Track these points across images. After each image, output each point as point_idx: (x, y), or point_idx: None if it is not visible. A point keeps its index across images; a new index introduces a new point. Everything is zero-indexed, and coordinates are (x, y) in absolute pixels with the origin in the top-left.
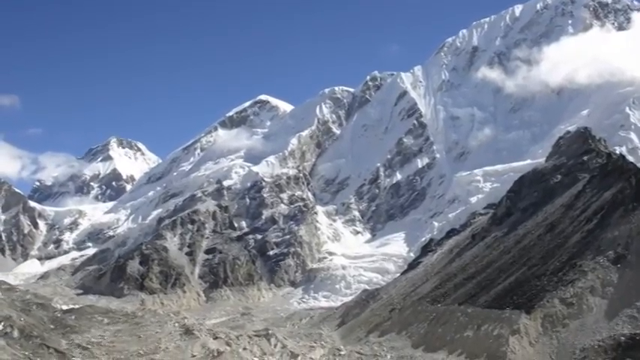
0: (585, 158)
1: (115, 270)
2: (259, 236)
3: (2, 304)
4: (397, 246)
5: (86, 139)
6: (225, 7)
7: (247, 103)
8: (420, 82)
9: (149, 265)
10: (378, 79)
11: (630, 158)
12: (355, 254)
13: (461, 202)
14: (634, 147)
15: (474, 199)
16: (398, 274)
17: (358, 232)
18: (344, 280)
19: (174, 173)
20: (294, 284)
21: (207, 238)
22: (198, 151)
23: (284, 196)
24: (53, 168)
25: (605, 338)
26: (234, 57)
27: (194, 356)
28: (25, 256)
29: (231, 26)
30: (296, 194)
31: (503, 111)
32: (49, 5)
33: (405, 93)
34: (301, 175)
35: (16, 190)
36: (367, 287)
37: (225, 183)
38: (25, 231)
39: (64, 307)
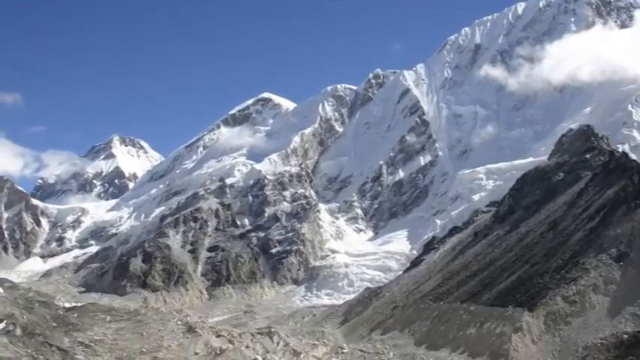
0: (588, 156)
1: (118, 268)
2: (262, 234)
3: (5, 301)
4: (400, 244)
5: (89, 137)
6: (228, 4)
7: (250, 101)
8: (423, 79)
9: (152, 263)
10: (381, 77)
11: (633, 156)
12: (358, 252)
13: (463, 199)
14: (636, 144)
15: (476, 197)
16: (400, 272)
17: (361, 230)
18: (346, 278)
19: (177, 171)
20: (296, 282)
21: (210, 235)
22: (201, 148)
23: (287, 193)
24: (56, 166)
25: (607, 336)
26: (237, 55)
27: (197, 354)
28: (28, 254)
29: (234, 24)
30: (299, 192)
31: (506, 109)
32: (52, 3)
33: (407, 91)
34: (304, 172)
35: (19, 188)
36: (370, 285)
37: (228, 181)
38: (28, 229)
39: (67, 305)
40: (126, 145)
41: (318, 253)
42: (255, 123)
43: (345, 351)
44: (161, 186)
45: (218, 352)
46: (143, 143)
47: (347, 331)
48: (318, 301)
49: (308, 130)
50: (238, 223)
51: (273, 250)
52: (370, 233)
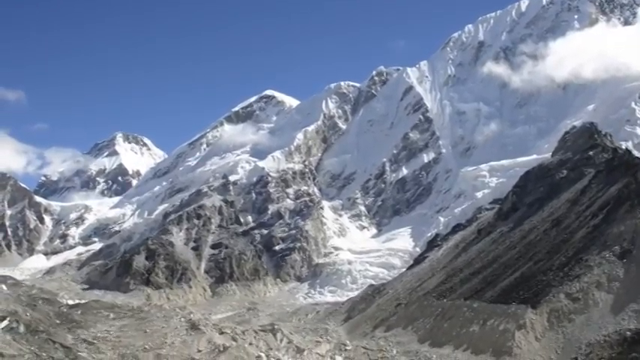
0: (591, 153)
1: (121, 265)
2: (265, 231)
3: (8, 299)
4: (403, 241)
5: (92, 134)
6: (231, 2)
7: (253, 98)
8: (426, 77)
9: (155, 260)
10: (384, 74)
11: (636, 153)
12: (361, 249)
13: (467, 197)
14: None
15: (479, 194)
16: (404, 269)
17: (364, 227)
18: (350, 275)
19: (180, 168)
20: (300, 279)
21: (213, 233)
22: (204, 146)
23: (290, 191)
24: (59, 163)
25: (611, 333)
26: (240, 52)
27: (200, 351)
28: (31, 251)
29: (238, 21)
30: (302, 189)
31: (509, 106)
32: (54, 1)
33: (411, 88)
34: (307, 170)
35: (22, 185)
36: (373, 282)
37: (231, 178)
38: (31, 226)
39: (70, 302)
40: (129, 143)
41: (321, 250)
42: (258, 120)
43: (348, 348)
44: (164, 183)
45: (221, 349)
46: (146, 140)
47: (350, 328)
48: (322, 298)
49: (311, 128)
50: (241, 220)
51: (277, 248)
52: (373, 230)
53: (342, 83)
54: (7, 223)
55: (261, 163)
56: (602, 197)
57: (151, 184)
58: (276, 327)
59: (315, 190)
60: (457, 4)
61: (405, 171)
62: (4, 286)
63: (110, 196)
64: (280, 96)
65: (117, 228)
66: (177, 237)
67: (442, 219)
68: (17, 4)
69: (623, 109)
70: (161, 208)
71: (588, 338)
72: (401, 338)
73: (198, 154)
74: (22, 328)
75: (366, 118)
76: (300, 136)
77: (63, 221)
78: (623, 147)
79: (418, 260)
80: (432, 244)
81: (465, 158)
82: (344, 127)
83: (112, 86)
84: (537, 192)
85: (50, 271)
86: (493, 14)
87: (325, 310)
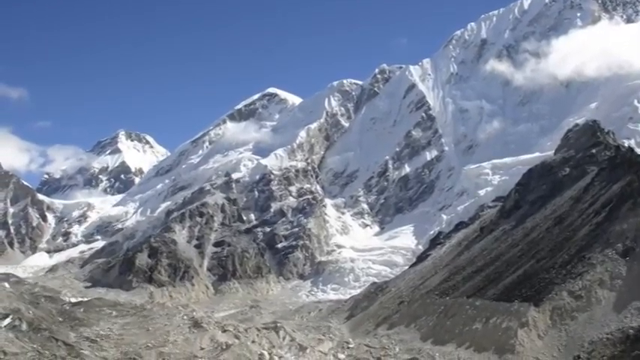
0: (594, 151)
1: (124, 263)
2: (268, 229)
3: (11, 296)
4: (406, 239)
5: (95, 132)
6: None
7: (256, 96)
8: (429, 74)
9: (158, 258)
10: (387, 72)
11: (639, 151)
12: (364, 247)
13: (469, 195)
14: None
15: (482, 192)
16: (406, 267)
17: (367, 225)
18: (352, 273)
19: (183, 166)
20: (302, 277)
21: (216, 230)
22: (207, 143)
23: (293, 188)
24: (62, 161)
25: (613, 331)
26: (243, 50)
27: (202, 349)
28: (34, 249)
29: (240, 19)
30: (305, 187)
31: (512, 104)
32: None
33: (413, 86)
34: (310, 167)
35: (25, 183)
36: (376, 280)
37: (234, 176)
38: (34, 224)
39: (73, 300)
40: (132, 140)
41: (324, 248)
42: (261, 118)
43: (351, 346)
44: (167, 181)
45: (224, 347)
46: (149, 138)
47: (353, 326)
48: (324, 296)
49: (314, 125)
50: (244, 218)
51: (279, 245)
52: (376, 228)
53: (345, 81)
54: (10, 221)
55: (263, 161)
56: (605, 195)
57: (154, 181)
58: (278, 325)
59: (318, 187)
60: (460, 1)
61: (407, 169)
62: (6, 284)
63: (113, 194)
64: (283, 94)
65: (119, 226)
66: (180, 235)
67: (445, 217)
68: (19, 2)
69: (626, 107)
70: (164, 205)
71: (591, 336)
72: (403, 336)
73: (200, 151)
74: (24, 326)
75: (369, 115)
76: (302, 133)
77: (65, 219)
78: (626, 145)
79: (421, 258)
80: (435, 242)
81: (468, 156)
82: (346, 124)
83: (114, 84)
84: (540, 190)
85: (53, 269)
86: (496, 12)
87: (328, 308)
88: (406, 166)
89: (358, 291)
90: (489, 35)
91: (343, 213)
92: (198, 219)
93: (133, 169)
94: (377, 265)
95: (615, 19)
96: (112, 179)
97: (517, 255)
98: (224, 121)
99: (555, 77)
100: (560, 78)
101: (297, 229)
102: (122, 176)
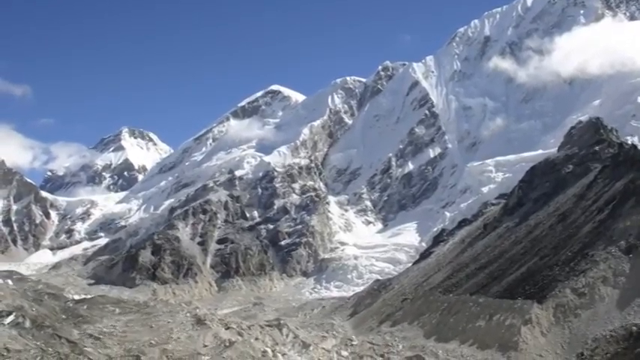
0: (597, 148)
1: (127, 260)
2: (271, 226)
3: (14, 294)
4: (409, 236)
5: (98, 129)
6: None
7: (259, 93)
8: (432, 72)
9: (161, 255)
10: (390, 69)
11: None
12: (367, 244)
13: (472, 192)
14: None
15: (485, 189)
16: (410, 264)
17: (370, 222)
18: (356, 270)
19: (186, 163)
20: (305, 274)
21: (219, 228)
22: (210, 141)
23: (296, 186)
24: (65, 158)
25: (617, 328)
26: (246, 47)
27: (206, 346)
28: (37, 247)
29: (243, 16)
30: (308, 184)
31: (515, 101)
32: None
33: (416, 83)
34: (313, 165)
35: (28, 180)
36: (379, 277)
37: (237, 173)
38: (37, 221)
39: (76, 297)
40: (135, 138)
41: (327, 245)
42: (264, 115)
43: (354, 343)
44: (170, 178)
45: (227, 344)
46: (152, 135)
47: (356, 323)
48: (328, 293)
49: (317, 123)
50: (247, 215)
51: (283, 243)
52: (379, 225)
53: (348, 78)
54: (13, 219)
55: (267, 158)
56: (608, 192)
57: (157, 179)
58: (282, 322)
59: (321, 185)
60: None
61: (410, 166)
62: (10, 281)
63: (116, 191)
64: (286, 91)
65: (123, 223)
66: (183, 232)
67: (448, 214)
68: None
69: (629, 104)
70: (167, 203)
71: (594, 333)
72: (407, 333)
73: (204, 149)
74: (28, 323)
75: (372, 113)
76: (306, 131)
77: (69, 216)
78: (629, 142)
79: (424, 255)
80: (438, 239)
81: (471, 153)
82: (350, 122)
83: (117, 81)
84: (543, 187)
85: (56, 267)
86: (499, 9)
87: (331, 305)
88: (409, 163)
89: (361, 288)
90: (493, 32)
91: (346, 210)
92: (202, 216)
93: (137, 167)
94: (380, 262)
95: (619, 17)
96: (116, 176)
97: (520, 252)
98: (227, 119)
99: (558, 74)
100: (563, 75)
101: (300, 227)
102: (125, 173)
